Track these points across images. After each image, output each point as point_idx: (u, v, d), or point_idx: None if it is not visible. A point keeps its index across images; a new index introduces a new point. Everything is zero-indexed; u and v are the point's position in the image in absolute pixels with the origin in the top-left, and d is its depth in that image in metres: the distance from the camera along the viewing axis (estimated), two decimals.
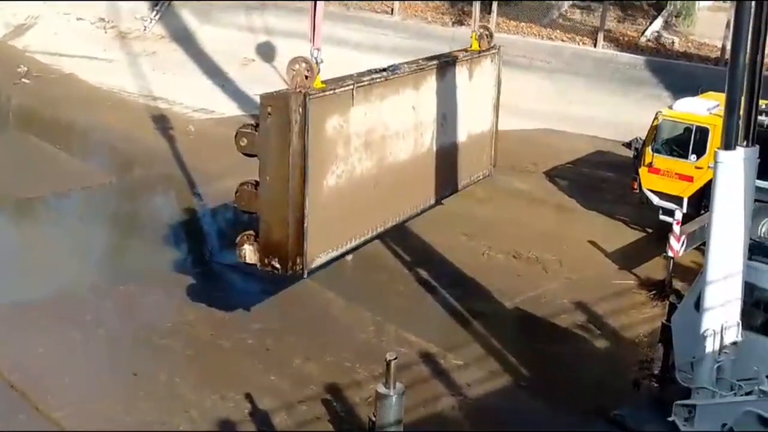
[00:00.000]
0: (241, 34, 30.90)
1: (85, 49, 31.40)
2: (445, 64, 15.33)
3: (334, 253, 13.31)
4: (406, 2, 31.33)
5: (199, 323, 15.22)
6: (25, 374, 13.49)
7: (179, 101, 27.10)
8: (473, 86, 15.99)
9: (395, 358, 11.10)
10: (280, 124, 12.08)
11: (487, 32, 16.57)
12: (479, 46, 16.33)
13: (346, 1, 31.61)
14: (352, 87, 13.03)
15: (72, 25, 33.51)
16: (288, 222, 12.36)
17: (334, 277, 16.02)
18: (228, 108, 26.73)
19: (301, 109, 12.02)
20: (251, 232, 12.82)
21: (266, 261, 12.66)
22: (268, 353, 14.45)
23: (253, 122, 12.63)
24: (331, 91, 12.66)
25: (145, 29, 32.87)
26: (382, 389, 11.09)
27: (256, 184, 12.59)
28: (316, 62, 12.43)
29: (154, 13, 33.37)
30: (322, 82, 12.62)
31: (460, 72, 15.65)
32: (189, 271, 17.28)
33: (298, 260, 12.53)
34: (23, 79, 29.13)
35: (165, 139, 24.05)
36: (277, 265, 12.62)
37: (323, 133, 12.61)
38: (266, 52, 29.93)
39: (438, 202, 15.91)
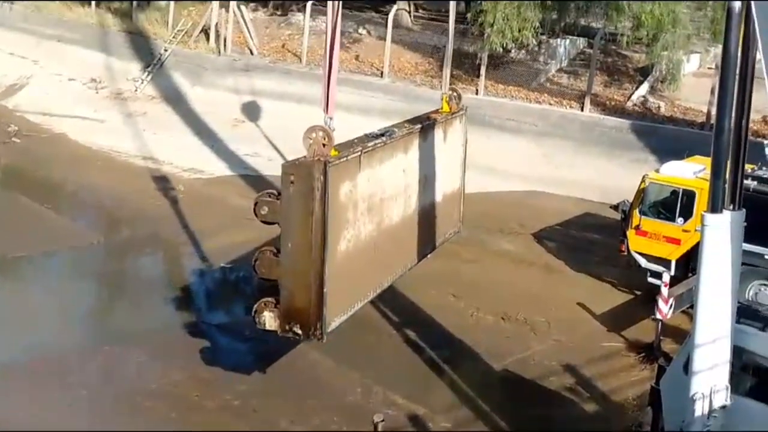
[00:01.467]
0: (231, 96, 31.15)
1: (76, 109, 31.58)
2: (427, 127, 15.64)
3: (345, 316, 13.43)
4: (395, 65, 31.66)
5: (184, 384, 15.07)
6: None
7: (169, 161, 27.19)
8: (446, 147, 16.35)
9: (382, 420, 11.03)
10: (302, 192, 12.20)
11: (455, 94, 16.96)
12: (449, 107, 16.67)
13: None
14: (360, 153, 13.20)
15: (63, 85, 33.74)
16: (311, 288, 12.44)
17: None
18: (217, 168, 26.85)
19: (322, 177, 12.16)
20: (270, 299, 12.84)
21: (287, 327, 12.72)
22: (254, 415, 14.30)
23: (272, 191, 12.74)
24: (345, 158, 12.83)
25: (136, 90, 33.11)
26: None
27: (276, 251, 12.63)
28: (331, 130, 12.61)
29: (146, 74, 33.65)
30: (335, 148, 12.79)
31: (437, 134, 16.01)
32: (175, 331, 17.14)
33: (318, 325, 12.60)
34: (13, 139, 29.22)
35: (154, 198, 24.09)
36: (299, 332, 12.70)
37: (338, 200, 12.80)
38: (255, 113, 30.16)
39: (420, 260, 16.04)
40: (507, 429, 14.09)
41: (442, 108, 16.65)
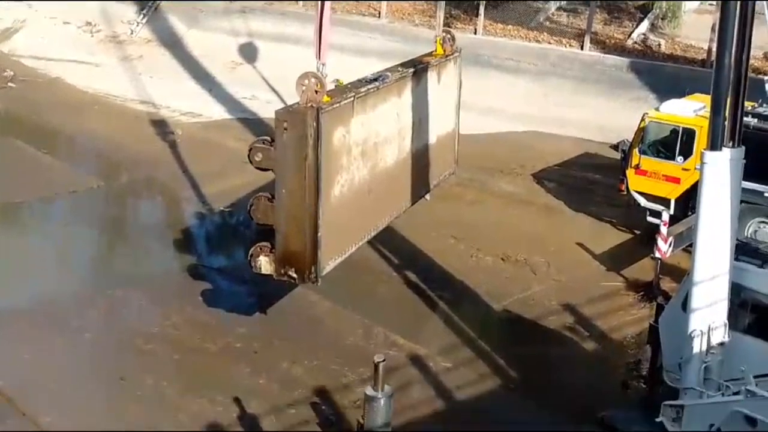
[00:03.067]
0: (228, 38, 30.88)
1: (71, 53, 31.32)
2: (420, 71, 15.60)
3: (340, 259, 13.56)
4: (393, 5, 31.34)
5: (185, 327, 15.17)
6: (11, 380, 13.42)
7: (166, 105, 27.03)
8: (441, 90, 16.33)
9: (383, 360, 11.09)
10: (296, 138, 12.31)
11: (450, 36, 16.84)
12: (443, 50, 16.58)
13: (333, 0, 31.56)
14: (352, 99, 13.24)
15: (58, 29, 33.39)
16: (305, 232, 12.58)
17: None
18: (215, 111, 26.72)
19: (315, 123, 12.26)
20: (266, 243, 12.98)
21: (282, 271, 12.89)
22: (256, 357, 14.42)
23: (267, 137, 12.77)
24: (338, 104, 12.87)
25: (132, 33, 32.79)
26: (370, 391, 11.09)
27: (271, 197, 12.73)
28: (323, 76, 12.61)
29: (141, 17, 33.29)
30: (327, 94, 12.78)
31: (431, 77, 16.00)
32: (175, 275, 17.21)
33: (313, 269, 12.77)
34: (9, 83, 29.02)
35: (152, 143, 24.00)
36: (294, 275, 12.87)
37: (331, 145, 12.89)
38: (252, 55, 29.92)
39: (414, 202, 16.10)
40: (507, 368, 14.21)
41: (436, 50, 16.57)
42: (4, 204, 20.17)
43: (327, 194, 12.75)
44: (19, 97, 28.09)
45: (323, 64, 12.85)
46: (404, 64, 15.78)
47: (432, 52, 16.62)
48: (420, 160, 15.92)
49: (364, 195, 14.00)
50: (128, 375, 13.78)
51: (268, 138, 12.74)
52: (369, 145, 13.98)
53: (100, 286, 16.59)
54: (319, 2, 13.10)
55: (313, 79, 12.31)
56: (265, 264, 12.94)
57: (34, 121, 26.23)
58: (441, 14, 17.92)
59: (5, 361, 13.91)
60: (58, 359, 14.19)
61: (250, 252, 13.07)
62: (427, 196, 16.48)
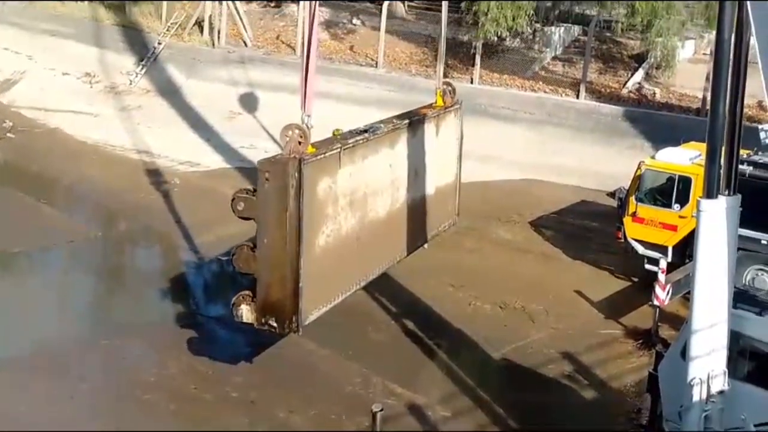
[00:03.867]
0: (226, 88, 31.09)
1: (70, 104, 31.47)
2: (416, 122, 15.74)
3: (324, 309, 13.57)
4: (390, 55, 31.63)
5: (181, 377, 15.09)
6: (8, 426, 13.25)
7: (165, 154, 27.12)
8: (440, 141, 16.47)
9: (381, 410, 11.04)
10: (277, 189, 12.44)
11: (450, 88, 17.03)
12: (443, 101, 16.72)
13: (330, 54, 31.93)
14: (339, 150, 13.34)
15: (57, 79, 33.60)
16: (286, 282, 12.64)
17: (317, 328, 15.85)
18: (213, 161, 26.81)
19: (296, 174, 12.41)
20: (248, 292, 13.06)
21: (263, 321, 12.94)
22: (253, 406, 14.33)
23: (249, 187, 12.91)
24: (322, 155, 12.98)
25: (131, 83, 33.00)
26: None
27: (253, 246, 12.78)
28: (308, 128, 12.79)
29: (140, 67, 33.56)
30: (312, 145, 12.90)
31: (429, 128, 16.13)
32: (172, 323, 17.15)
33: (294, 318, 12.82)
34: (8, 134, 29.13)
35: (150, 192, 24.05)
36: (274, 324, 12.91)
37: (315, 196, 13.01)
38: (251, 105, 30.11)
39: (409, 253, 16.12)
40: (506, 417, 14.11)
41: (436, 102, 16.72)
42: (2, 253, 20.15)
43: (310, 244, 12.84)
44: (18, 147, 28.19)
45: (308, 116, 13.02)
46: (401, 116, 15.90)
47: (432, 103, 16.76)
48: (417, 210, 15.97)
49: (352, 245, 14.06)
50: (125, 425, 13.67)
51: (251, 188, 12.88)
52: (358, 195, 14.10)
53: (97, 335, 16.53)
54: (305, 54, 13.29)
55: (296, 131, 12.52)
56: (246, 313, 13.01)
57: (33, 170, 26.31)
58: (441, 67, 18.09)
59: (3, 409, 13.77)
60: (55, 408, 14.07)
61: (232, 301, 13.15)
62: (425, 245, 16.53)
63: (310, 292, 12.78)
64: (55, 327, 16.83)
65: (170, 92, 31.91)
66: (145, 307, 17.91)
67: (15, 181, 25.60)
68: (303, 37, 13.51)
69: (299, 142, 12.45)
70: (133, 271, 20.77)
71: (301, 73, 13.23)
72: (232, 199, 12.85)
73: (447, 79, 17.21)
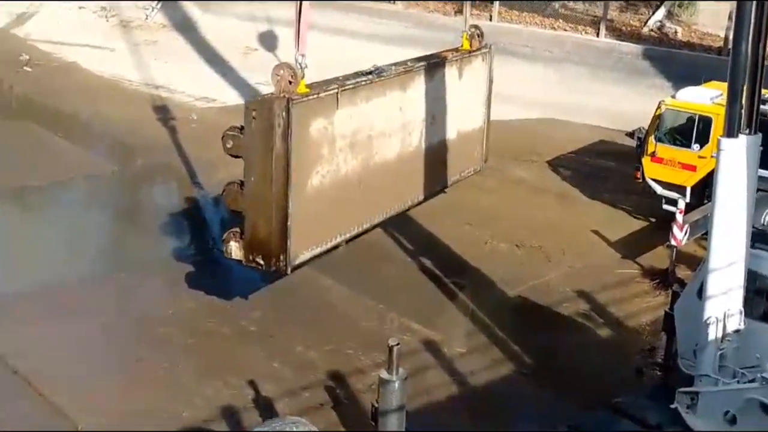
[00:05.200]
0: (243, 24, 30.86)
1: (87, 38, 31.36)
2: (434, 65, 15.56)
3: (319, 250, 13.65)
4: None
5: (200, 311, 15.24)
6: (28, 361, 13.50)
7: (181, 90, 27.07)
8: (463, 85, 16.28)
9: (398, 344, 11.11)
10: (263, 128, 12.48)
11: (478, 32, 16.77)
12: (470, 45, 16.50)
13: None
14: (336, 91, 13.31)
15: (74, 13, 33.44)
16: (271, 221, 12.74)
17: (335, 265, 15.99)
18: (230, 96, 26.69)
19: (284, 114, 12.40)
20: (237, 229, 13.22)
21: (251, 258, 13.08)
22: (270, 340, 14.47)
23: (238, 125, 12.85)
24: (315, 96, 13.00)
25: (146, 18, 32.82)
26: (384, 375, 11.11)
27: (242, 183, 12.95)
28: (301, 67, 12.79)
29: (156, 2, 33.32)
30: (307, 86, 12.84)
31: (450, 72, 15.93)
32: (190, 259, 17.28)
33: (282, 257, 12.91)
34: (25, 68, 29.10)
35: (167, 127, 24.01)
36: (261, 262, 13.04)
37: (307, 136, 12.98)
38: (268, 41, 29.86)
39: (427, 198, 16.09)
40: (521, 354, 14.22)
41: (462, 45, 16.51)
42: (20, 187, 20.27)
43: (300, 184, 12.86)
44: (35, 81, 28.17)
45: (302, 55, 12.94)
46: (419, 59, 15.72)
47: (458, 47, 16.55)
48: (435, 155, 15.87)
49: (354, 187, 14.04)
50: (144, 358, 13.86)
51: (240, 126, 12.86)
52: (360, 137, 14.04)
53: (116, 270, 16.66)
54: None
55: (287, 70, 12.49)
56: (235, 249, 13.14)
57: (50, 105, 26.32)
58: (467, 8, 17.82)
59: (22, 342, 13.98)
60: (74, 341, 14.27)
61: (222, 237, 13.31)
62: (446, 190, 16.48)
63: (300, 231, 12.87)
64: (74, 261, 16.97)
65: (186, 27, 31.73)
66: (161, 242, 17.99)
67: (32, 115, 25.66)
68: None
69: (289, 82, 12.46)
70: (150, 206, 20.84)
71: (296, 11, 13.15)
72: (222, 137, 12.93)
73: (474, 23, 16.95)
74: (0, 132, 24.04)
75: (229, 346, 14.34)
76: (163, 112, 25.11)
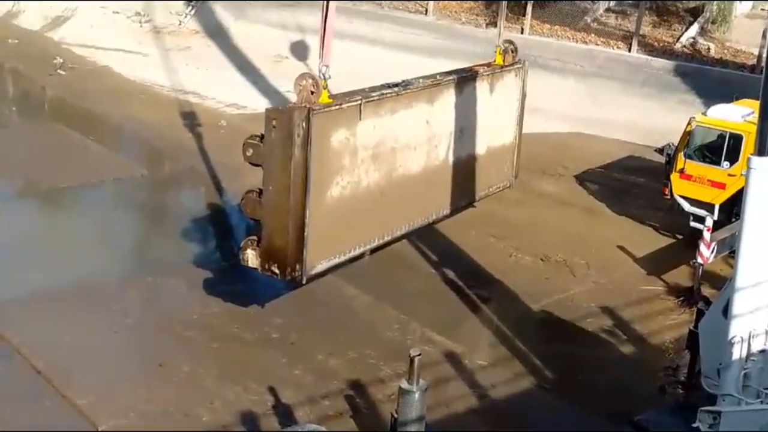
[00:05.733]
0: (274, 31, 31.02)
1: (120, 43, 31.66)
2: (464, 79, 15.53)
3: (336, 260, 13.68)
4: (440, 3, 31.30)
5: (223, 316, 15.28)
6: (52, 361, 13.60)
7: (211, 96, 27.24)
8: (495, 100, 16.23)
9: (419, 355, 11.11)
10: (283, 137, 12.56)
11: (512, 47, 16.71)
12: (503, 60, 16.45)
13: (379, 1, 31.65)
14: (359, 102, 13.30)
15: (108, 18, 33.78)
16: (288, 230, 12.78)
17: (358, 274, 16.04)
18: (260, 104, 26.69)
19: (304, 124, 12.49)
20: (255, 237, 13.35)
21: (266, 266, 13.21)
22: (292, 347, 14.49)
23: (258, 134, 12.91)
24: (337, 107, 13.04)
25: (180, 24, 33.10)
26: (405, 385, 11.11)
27: (260, 192, 13.01)
28: (324, 78, 12.90)
29: (189, 8, 33.59)
30: (330, 97, 12.87)
31: (480, 86, 15.91)
32: (216, 264, 17.35)
33: (297, 267, 13.04)
34: (59, 71, 29.40)
35: (196, 133, 24.17)
36: (276, 271, 13.16)
37: (328, 146, 13.03)
38: (298, 50, 30.03)
39: (453, 212, 16.04)
40: (543, 368, 14.15)
41: (495, 60, 16.48)
42: (50, 189, 20.46)
43: (320, 194, 12.93)
44: (68, 84, 28.46)
45: (326, 66, 12.98)
46: (449, 72, 15.70)
47: (491, 62, 16.52)
48: (462, 169, 15.85)
49: (376, 198, 14.03)
50: (166, 361, 13.93)
51: (260, 134, 12.91)
52: (384, 149, 14.04)
53: (142, 272, 16.77)
54: (324, 4, 13.22)
55: (310, 80, 12.54)
56: (251, 258, 13.29)
57: (82, 107, 26.58)
58: (501, 23, 17.79)
59: (47, 343, 14.09)
60: (98, 343, 14.37)
61: (241, 245, 13.41)
62: (475, 204, 16.44)
63: (317, 241, 12.92)
64: (100, 262, 17.08)
65: (218, 34, 31.97)
66: (189, 246, 18.08)
67: (64, 118, 25.98)
68: None
69: (311, 92, 12.53)
70: (178, 210, 20.94)
71: (321, 22, 13.23)
72: (243, 145, 13.02)
73: (508, 38, 16.95)
74: (32, 134, 24.36)
75: (251, 351, 14.39)
76: (193, 117, 25.27)
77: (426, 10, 31.00)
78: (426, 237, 17.41)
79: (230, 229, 19.60)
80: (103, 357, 13.98)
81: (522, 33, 28.94)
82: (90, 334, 14.51)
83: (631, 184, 21.78)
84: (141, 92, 27.93)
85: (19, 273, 16.21)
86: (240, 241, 19.07)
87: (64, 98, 27.69)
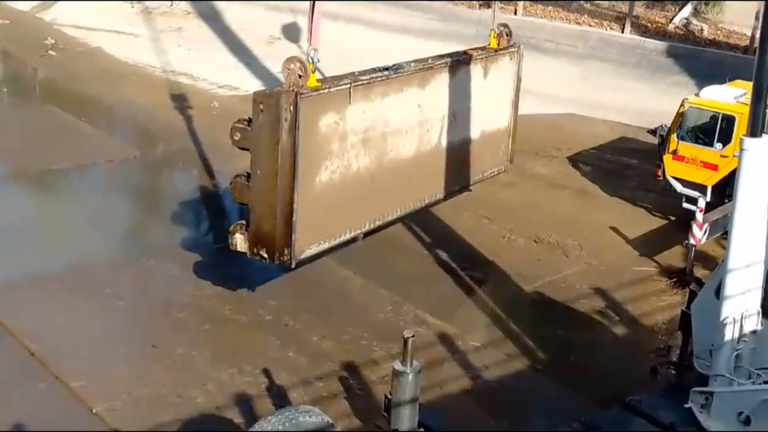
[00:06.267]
0: (268, 13, 30.90)
1: (111, 24, 31.52)
2: (457, 63, 15.44)
3: (326, 245, 13.64)
4: None
5: (216, 298, 15.28)
6: (45, 344, 13.60)
7: (204, 77, 27.17)
8: (489, 84, 16.15)
9: (413, 336, 11.12)
10: (270, 121, 12.46)
11: (506, 30, 16.63)
12: (498, 44, 16.38)
13: None
14: (348, 86, 13.22)
15: None
16: (276, 214, 12.73)
17: (352, 256, 16.04)
18: (252, 85, 26.63)
19: (291, 108, 12.38)
20: (243, 222, 13.31)
21: (255, 250, 13.13)
22: (286, 329, 14.51)
23: (246, 118, 12.85)
24: (326, 90, 12.97)
25: (171, 5, 32.93)
26: (398, 366, 11.12)
27: (248, 176, 12.96)
28: (312, 62, 12.77)
29: None
30: (319, 80, 12.80)
31: (474, 70, 15.81)
32: (208, 247, 17.35)
33: (286, 251, 12.94)
34: (50, 52, 29.28)
35: (189, 114, 24.12)
36: (265, 255, 13.08)
37: (316, 131, 12.94)
38: (291, 31, 29.92)
39: (447, 196, 16.02)
40: (535, 349, 14.20)
41: (489, 44, 16.42)
42: (42, 170, 20.40)
43: (309, 179, 12.85)
44: (60, 65, 28.36)
45: (314, 50, 12.89)
46: (442, 56, 15.62)
47: (486, 45, 16.45)
48: (456, 154, 15.79)
49: (366, 183, 13.98)
50: (160, 343, 13.93)
51: (249, 118, 12.83)
52: (374, 133, 13.96)
53: (134, 255, 16.75)
54: None
55: (297, 63, 12.43)
56: (240, 242, 13.21)
57: (74, 89, 26.49)
58: (495, 6, 17.62)
59: (40, 325, 14.09)
60: (91, 325, 14.36)
61: (229, 229, 13.35)
62: (470, 188, 16.43)
63: (306, 226, 12.86)
64: (93, 246, 17.06)
65: (211, 15, 31.82)
66: (181, 228, 18.07)
67: (56, 99, 25.85)
68: None
69: (299, 76, 12.42)
70: (171, 192, 20.92)
71: (309, 5, 13.14)
72: (230, 129, 12.95)
73: (503, 22, 16.86)
74: (23, 115, 24.28)
75: (245, 333, 14.40)
76: (185, 98, 25.20)
77: None
78: (419, 219, 17.41)
79: (222, 210, 19.56)
80: (96, 340, 13.96)
81: (515, 14, 28.87)
82: (83, 317, 14.49)
83: (624, 166, 21.80)
84: (133, 73, 27.84)
85: (11, 256, 16.17)
86: (233, 222, 19.23)
87: (55, 79, 27.59)
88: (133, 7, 33.10)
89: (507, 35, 16.58)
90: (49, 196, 20.06)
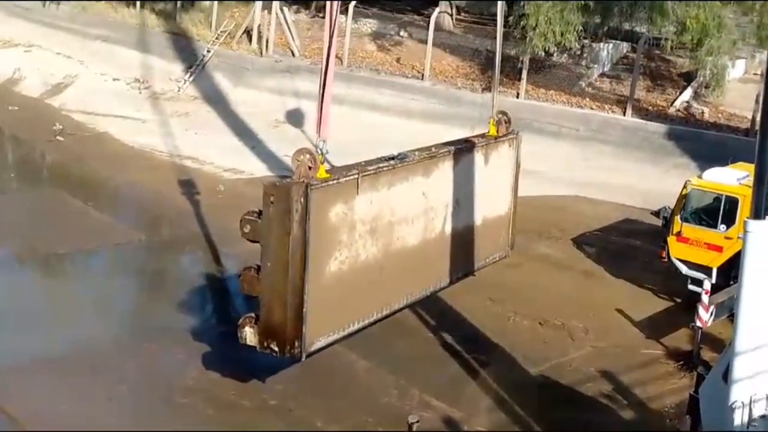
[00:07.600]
0: (272, 97, 31.34)
1: (119, 109, 31.95)
2: (459, 151, 15.59)
3: (336, 336, 13.51)
4: (436, 67, 31.65)
5: (221, 383, 15.17)
6: (48, 429, 13.44)
7: (210, 161, 27.41)
8: (490, 171, 16.27)
9: (417, 421, 11.03)
10: (281, 213, 12.43)
11: (505, 118, 16.82)
12: (497, 131, 16.57)
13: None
14: (356, 177, 13.31)
15: (108, 85, 34.17)
16: (287, 305, 12.63)
17: (356, 339, 15.88)
18: (258, 168, 26.99)
19: (302, 199, 12.39)
20: (252, 315, 13.14)
21: (265, 344, 12.96)
22: (290, 414, 14.38)
23: (256, 210, 12.90)
24: (335, 181, 13.00)
25: (179, 90, 33.43)
26: None
27: (258, 268, 12.89)
28: (321, 153, 12.86)
29: (189, 74, 33.97)
30: (327, 171, 12.90)
31: (476, 158, 15.93)
32: (213, 331, 17.28)
33: (296, 344, 12.80)
34: (58, 137, 29.62)
35: (195, 198, 24.28)
36: (275, 348, 12.90)
37: (326, 221, 12.96)
38: (295, 115, 30.29)
39: (451, 283, 16.00)
40: None
41: (489, 131, 16.61)
42: (48, 254, 20.47)
43: (318, 270, 12.78)
44: (67, 150, 28.64)
45: (323, 141, 13.00)
46: (445, 144, 15.77)
47: (485, 133, 16.64)
48: (459, 241, 15.81)
49: (374, 273, 13.93)
50: (162, 428, 13.78)
51: (258, 210, 12.84)
52: (381, 223, 13.98)
53: (138, 339, 16.68)
54: (321, 78, 13.30)
55: (307, 155, 12.51)
56: (249, 335, 13.03)
57: (81, 173, 26.73)
58: (495, 94, 17.78)
59: (43, 409, 13.98)
60: (95, 409, 14.24)
61: (238, 322, 13.20)
62: (475, 274, 16.44)
63: (317, 318, 12.75)
64: (98, 329, 17.01)
65: (217, 100, 32.27)
66: (187, 313, 18.04)
67: (63, 184, 26.07)
68: (323, 63, 13.54)
69: (309, 167, 12.50)
70: (176, 276, 20.93)
71: (318, 96, 13.30)
72: (240, 221, 12.91)
73: (502, 110, 17.08)
74: (31, 200, 24.46)
75: (249, 419, 14.26)
76: (191, 182, 25.40)
77: (422, 76, 31.34)
78: (423, 301, 17.30)
79: (229, 296, 19.54)
80: (100, 424, 13.80)
81: (517, 97, 29.25)
82: (87, 402, 14.37)
83: (629, 247, 21.80)
84: (139, 158, 28.10)
85: (15, 339, 16.10)
86: (238, 308, 19.20)
87: (62, 164, 27.85)
88: (140, 93, 33.61)
89: (506, 122, 16.76)
90: (55, 279, 20.08)
